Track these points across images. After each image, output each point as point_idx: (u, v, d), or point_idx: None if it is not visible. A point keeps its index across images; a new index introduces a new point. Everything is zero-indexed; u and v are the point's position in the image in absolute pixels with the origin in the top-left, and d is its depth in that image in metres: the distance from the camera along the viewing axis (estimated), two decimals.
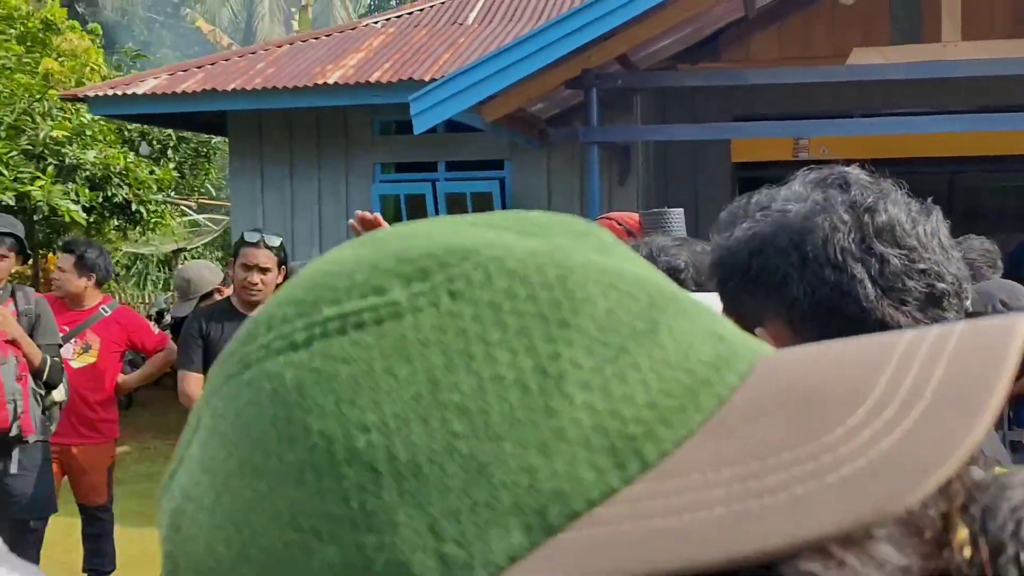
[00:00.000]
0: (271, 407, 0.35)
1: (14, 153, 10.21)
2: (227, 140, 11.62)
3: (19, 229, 4.94)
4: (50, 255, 13.28)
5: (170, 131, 12.32)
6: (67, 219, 10.51)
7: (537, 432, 0.33)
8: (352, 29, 10.56)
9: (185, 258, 19.75)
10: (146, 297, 18.97)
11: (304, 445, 0.34)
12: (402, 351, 0.34)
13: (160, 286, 21.13)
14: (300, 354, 0.35)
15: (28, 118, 10.68)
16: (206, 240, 19.44)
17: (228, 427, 0.36)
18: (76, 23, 12.95)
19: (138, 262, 19.50)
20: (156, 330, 5.98)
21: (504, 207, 9.77)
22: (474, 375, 0.34)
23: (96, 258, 5.40)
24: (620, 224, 5.01)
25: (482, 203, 9.72)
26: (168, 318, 15.07)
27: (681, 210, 5.24)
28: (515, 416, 0.33)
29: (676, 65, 9.78)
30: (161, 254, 19.58)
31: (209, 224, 18.53)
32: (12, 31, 11.74)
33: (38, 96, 10.82)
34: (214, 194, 18.08)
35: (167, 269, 21.39)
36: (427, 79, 8.89)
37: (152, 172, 11.62)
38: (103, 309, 5.53)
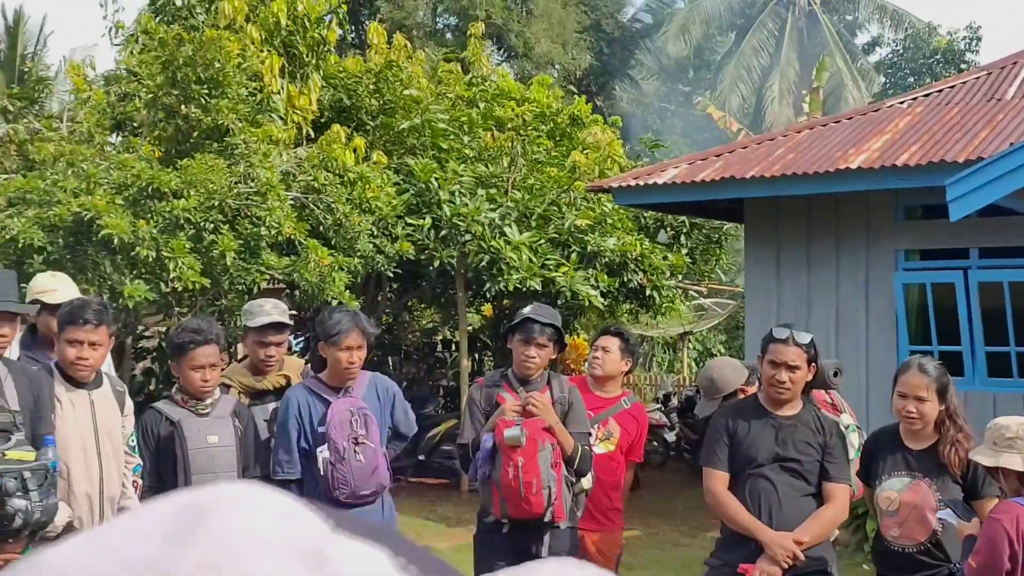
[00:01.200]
0: None
1: (542, 241, 10.87)
2: (739, 226, 11.58)
3: (558, 320, 5.09)
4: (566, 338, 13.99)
5: (683, 218, 12.53)
6: (586, 303, 10.96)
7: None
8: (875, 111, 10.12)
9: (689, 341, 20.05)
10: (651, 379, 19.45)
11: None
12: None
13: (664, 367, 21.62)
14: None
15: (556, 208, 11.36)
16: (710, 324, 19.59)
17: None
18: (599, 117, 13.68)
19: (644, 343, 20.07)
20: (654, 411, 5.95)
21: None
22: None
23: (636, 347, 5.49)
24: None
25: (1022, 294, 8.79)
26: (675, 402, 15.31)
27: None
28: None
29: None
30: (668, 336, 20.02)
31: (715, 308, 18.64)
32: (543, 127, 12.64)
33: (565, 187, 11.48)
34: (723, 279, 18.20)
35: (671, 351, 21.84)
36: (961, 160, 8.26)
37: (665, 258, 11.86)
38: (624, 401, 5.58)
